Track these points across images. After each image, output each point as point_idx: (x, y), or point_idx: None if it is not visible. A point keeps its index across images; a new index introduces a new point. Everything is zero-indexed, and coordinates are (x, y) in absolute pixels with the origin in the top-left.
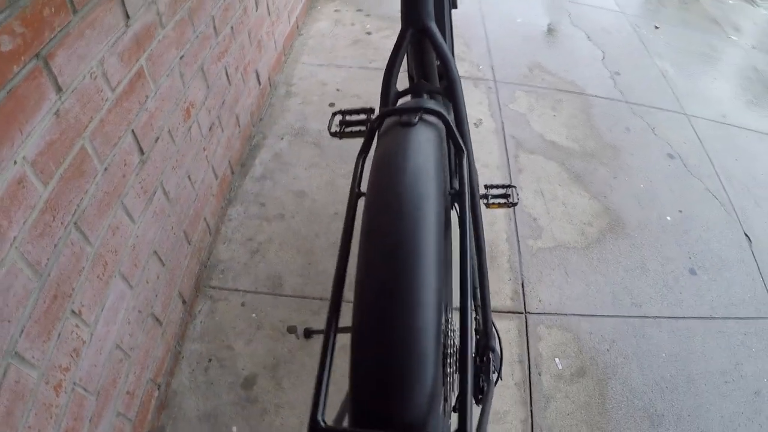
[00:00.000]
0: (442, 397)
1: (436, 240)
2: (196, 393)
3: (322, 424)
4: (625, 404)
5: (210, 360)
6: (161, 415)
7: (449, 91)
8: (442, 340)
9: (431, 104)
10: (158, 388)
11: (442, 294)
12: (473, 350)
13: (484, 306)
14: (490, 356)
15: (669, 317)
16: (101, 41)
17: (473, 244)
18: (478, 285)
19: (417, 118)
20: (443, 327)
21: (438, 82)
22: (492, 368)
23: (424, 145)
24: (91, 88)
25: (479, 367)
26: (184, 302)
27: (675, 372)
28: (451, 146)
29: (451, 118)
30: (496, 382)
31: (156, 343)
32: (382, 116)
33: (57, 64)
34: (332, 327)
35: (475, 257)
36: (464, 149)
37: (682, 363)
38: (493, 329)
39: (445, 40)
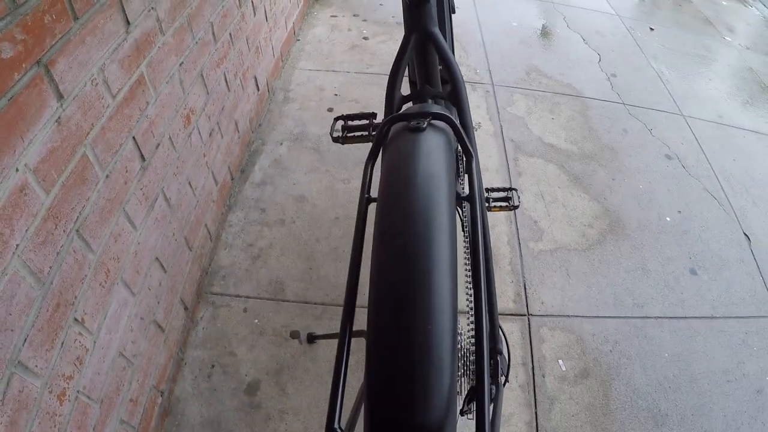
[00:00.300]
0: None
1: (448, 243)
2: (199, 400)
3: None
4: (629, 405)
5: (213, 366)
6: (164, 422)
7: (454, 95)
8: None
9: (439, 109)
10: (161, 395)
11: (456, 298)
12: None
13: (491, 309)
14: (498, 359)
15: (671, 317)
16: (102, 48)
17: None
18: (485, 288)
19: (426, 123)
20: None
21: (441, 87)
22: (500, 371)
23: (434, 149)
24: (92, 95)
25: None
26: (186, 309)
27: (678, 372)
28: (458, 150)
29: (458, 122)
30: (504, 384)
31: (158, 349)
32: (391, 122)
33: (58, 71)
34: (347, 333)
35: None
36: (473, 153)
37: (684, 363)
38: (501, 332)
39: (449, 37)
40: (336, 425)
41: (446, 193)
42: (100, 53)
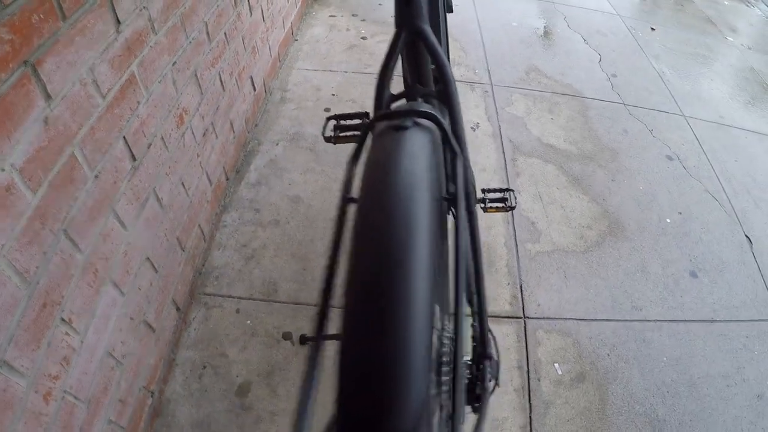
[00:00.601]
0: (438, 406)
1: (428, 245)
2: (189, 401)
3: None
4: (626, 410)
5: (204, 367)
6: (154, 423)
7: (444, 94)
8: (438, 347)
9: (424, 107)
10: (151, 396)
11: (434, 300)
12: (470, 357)
13: (480, 312)
14: (486, 363)
15: (670, 321)
16: (91, 48)
17: (468, 249)
18: (475, 290)
19: (410, 121)
20: (439, 334)
21: (433, 86)
22: (489, 376)
23: (418, 149)
24: (81, 95)
25: (477, 374)
26: (178, 309)
27: (676, 376)
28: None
29: (446, 121)
30: (494, 389)
31: (149, 350)
32: (374, 120)
33: (46, 72)
34: (320, 335)
35: (471, 262)
36: (459, 153)
37: (683, 367)
38: (490, 335)
39: (440, 43)
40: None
41: (428, 194)
42: (89, 53)
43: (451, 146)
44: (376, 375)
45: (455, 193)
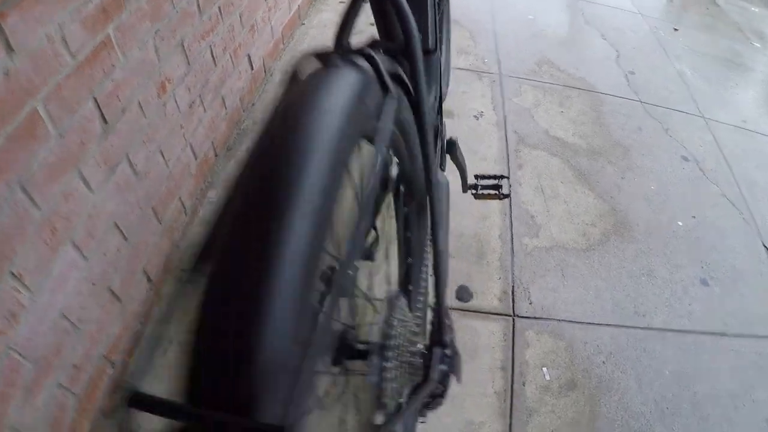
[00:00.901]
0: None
1: (323, 189)
2: (152, 375)
3: (140, 394)
4: (619, 424)
5: (171, 343)
6: (115, 393)
7: (406, 49)
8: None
9: (360, 48)
10: (112, 366)
11: (320, 257)
12: (422, 345)
13: (438, 295)
14: (436, 351)
15: (675, 330)
16: (62, 6)
17: (398, 215)
18: (432, 273)
19: (338, 59)
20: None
21: (403, 42)
22: (434, 370)
23: (342, 85)
24: (47, 51)
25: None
26: (149, 281)
27: (678, 392)
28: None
29: (387, 66)
30: (447, 383)
31: (112, 319)
32: (302, 59)
33: (9, 25)
34: (195, 270)
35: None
36: (392, 91)
37: (687, 382)
38: (447, 322)
39: (427, 18)
40: (137, 384)
41: (340, 131)
42: (59, 11)
43: (383, 83)
44: (225, 340)
45: (376, 135)
